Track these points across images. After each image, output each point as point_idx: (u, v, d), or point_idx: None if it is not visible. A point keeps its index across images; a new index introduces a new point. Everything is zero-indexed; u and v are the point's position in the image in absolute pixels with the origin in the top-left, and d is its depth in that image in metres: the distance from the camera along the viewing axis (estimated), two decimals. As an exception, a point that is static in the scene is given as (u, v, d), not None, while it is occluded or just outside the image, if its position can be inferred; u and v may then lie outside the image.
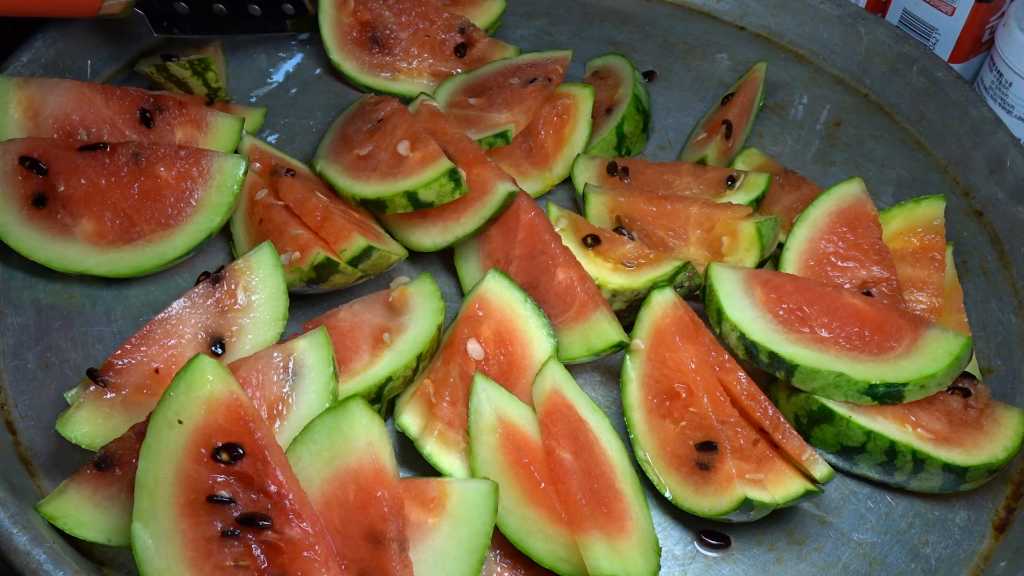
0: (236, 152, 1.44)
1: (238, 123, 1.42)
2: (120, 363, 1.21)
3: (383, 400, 1.24)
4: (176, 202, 1.32)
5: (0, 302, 1.33)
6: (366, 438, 1.07)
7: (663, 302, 1.30)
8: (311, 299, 1.39)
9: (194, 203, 1.32)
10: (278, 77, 1.67)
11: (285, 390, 1.16)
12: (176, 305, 1.25)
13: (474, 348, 1.26)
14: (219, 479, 1.02)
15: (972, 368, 1.34)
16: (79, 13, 1.46)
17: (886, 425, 1.23)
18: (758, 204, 1.48)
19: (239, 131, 1.42)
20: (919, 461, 1.22)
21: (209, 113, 1.42)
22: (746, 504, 1.16)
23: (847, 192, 1.44)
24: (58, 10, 1.43)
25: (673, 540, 1.22)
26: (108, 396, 1.19)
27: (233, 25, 1.63)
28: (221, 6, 1.61)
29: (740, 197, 1.46)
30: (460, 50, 1.65)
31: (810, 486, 1.18)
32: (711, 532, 1.23)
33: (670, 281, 1.33)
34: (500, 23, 1.77)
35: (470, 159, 1.41)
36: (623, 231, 1.43)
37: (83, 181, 1.32)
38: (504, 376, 1.26)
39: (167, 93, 1.45)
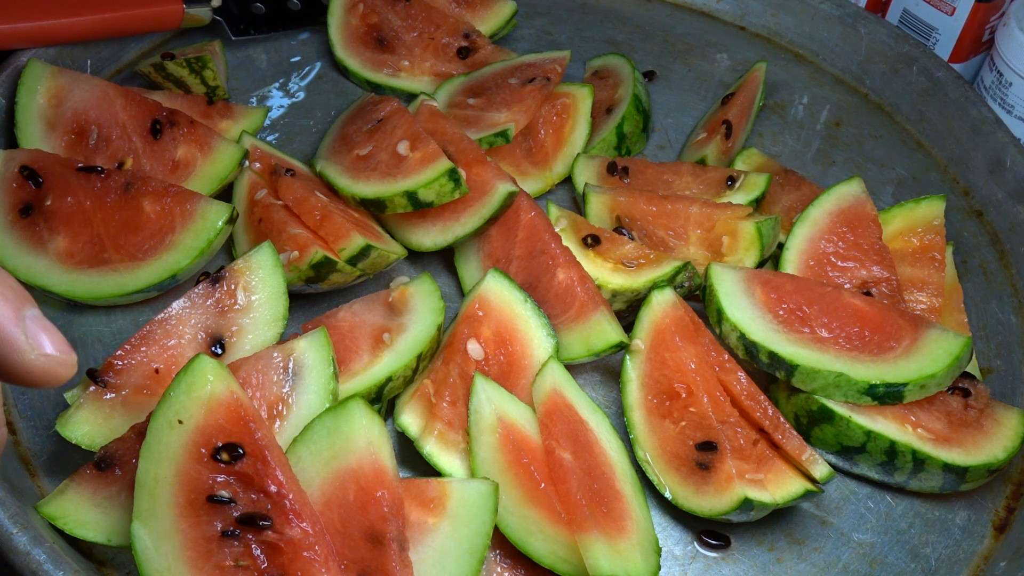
0: (236, 166, 1.45)
1: (239, 152, 1.42)
2: (120, 363, 1.21)
3: (383, 400, 1.24)
4: (150, 237, 1.32)
5: (0, 302, 1.33)
6: (366, 438, 1.07)
7: (663, 302, 1.30)
8: (311, 299, 1.39)
9: (167, 242, 1.32)
10: (278, 77, 1.67)
11: (285, 390, 1.16)
12: (176, 305, 1.25)
13: (474, 348, 1.26)
14: (219, 479, 1.02)
15: (972, 368, 1.34)
16: (161, 29, 1.57)
17: (886, 425, 1.23)
18: (758, 204, 1.48)
19: (239, 159, 1.42)
20: (919, 461, 1.22)
21: (216, 138, 1.43)
22: (746, 504, 1.16)
23: (847, 192, 1.44)
24: (141, 29, 1.54)
25: (673, 540, 1.22)
26: (108, 396, 1.19)
27: (303, 20, 1.74)
28: (260, 4, 1.70)
29: (740, 197, 1.47)
30: (463, 52, 1.66)
31: (810, 486, 1.18)
32: (711, 532, 1.23)
33: (670, 281, 1.33)
34: (515, 22, 1.77)
35: (470, 159, 1.41)
36: (623, 231, 1.43)
37: (70, 199, 1.32)
38: (504, 376, 1.26)
39: (184, 111, 1.46)
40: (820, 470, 1.18)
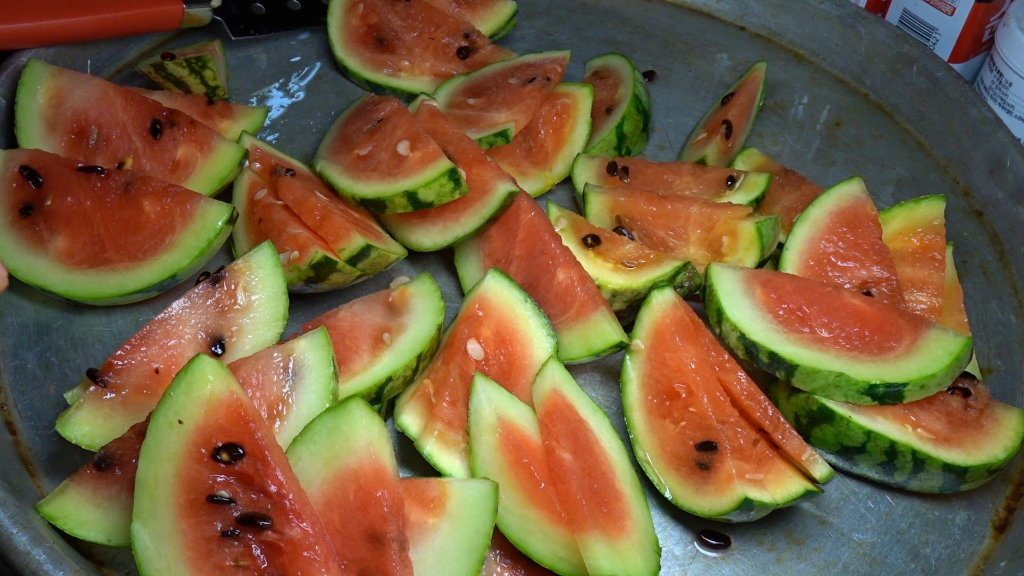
0: (235, 168, 1.45)
1: (239, 152, 1.42)
2: (120, 363, 1.21)
3: (383, 400, 1.24)
4: (151, 237, 1.32)
5: (0, 302, 1.33)
6: (366, 438, 1.07)
7: (663, 302, 1.30)
8: (311, 299, 1.39)
9: (167, 242, 1.32)
10: (278, 77, 1.67)
11: (285, 390, 1.16)
12: (176, 305, 1.25)
13: (474, 348, 1.26)
14: (219, 479, 1.02)
15: (972, 368, 1.34)
16: (161, 29, 1.57)
17: (886, 425, 1.23)
18: (758, 204, 1.48)
19: (239, 159, 1.42)
20: (919, 461, 1.22)
21: (215, 138, 1.43)
22: (746, 504, 1.16)
23: (847, 192, 1.44)
24: (141, 29, 1.54)
25: (673, 540, 1.22)
26: (108, 396, 1.19)
27: (303, 20, 1.74)
28: (260, 4, 1.69)
29: (740, 197, 1.47)
30: (463, 52, 1.66)
31: (810, 486, 1.18)
32: (711, 532, 1.23)
33: (670, 281, 1.33)
34: (515, 22, 1.77)
35: (470, 159, 1.41)
36: (623, 231, 1.43)
37: (70, 199, 1.33)
38: (504, 376, 1.26)
39: (184, 111, 1.46)
40: (820, 470, 1.18)
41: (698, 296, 1.37)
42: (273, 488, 1.02)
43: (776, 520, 1.24)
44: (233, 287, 1.27)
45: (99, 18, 1.50)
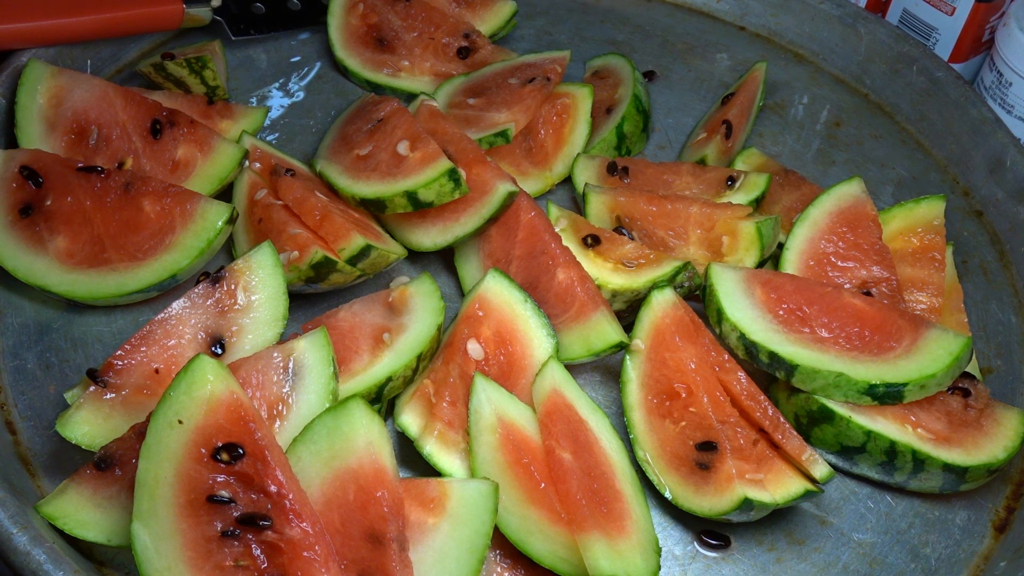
0: (235, 168, 1.45)
1: (239, 152, 1.42)
2: (120, 363, 1.21)
3: (383, 400, 1.24)
4: (150, 237, 1.32)
5: (0, 302, 1.33)
6: (366, 438, 1.07)
7: (663, 302, 1.30)
8: (311, 299, 1.39)
9: (167, 242, 1.32)
10: (278, 77, 1.67)
11: (285, 390, 1.16)
12: (176, 305, 1.25)
13: (474, 348, 1.26)
14: (219, 479, 1.02)
15: (972, 368, 1.34)
16: (161, 29, 1.58)
17: (886, 425, 1.23)
18: (758, 204, 1.48)
19: (239, 159, 1.42)
20: (919, 461, 1.22)
21: (215, 138, 1.43)
22: (746, 504, 1.16)
23: (847, 192, 1.44)
24: (141, 29, 1.54)
25: (673, 540, 1.22)
26: (108, 396, 1.19)
27: (303, 20, 1.74)
28: (260, 4, 1.70)
29: (740, 197, 1.47)
30: (463, 52, 1.66)
31: (810, 486, 1.18)
32: (711, 532, 1.23)
33: (670, 281, 1.33)
34: (515, 22, 1.77)
35: (470, 159, 1.41)
36: (623, 231, 1.43)
37: (70, 199, 1.33)
38: (504, 376, 1.26)
39: (184, 111, 1.46)
40: (820, 470, 1.18)
41: (698, 296, 1.37)
42: (273, 488, 1.02)
43: (776, 520, 1.24)
44: (233, 287, 1.27)
45: (99, 18, 1.50)
